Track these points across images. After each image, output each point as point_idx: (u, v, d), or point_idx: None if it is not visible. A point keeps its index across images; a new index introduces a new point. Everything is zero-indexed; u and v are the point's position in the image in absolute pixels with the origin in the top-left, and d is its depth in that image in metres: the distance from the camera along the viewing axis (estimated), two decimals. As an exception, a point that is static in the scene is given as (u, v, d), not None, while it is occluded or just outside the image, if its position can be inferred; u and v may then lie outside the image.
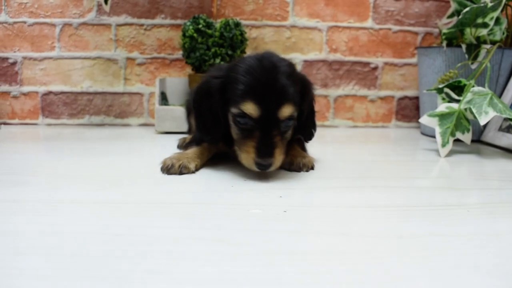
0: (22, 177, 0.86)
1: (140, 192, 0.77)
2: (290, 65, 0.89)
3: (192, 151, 0.96)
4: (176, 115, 1.39)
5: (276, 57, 0.89)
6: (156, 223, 0.62)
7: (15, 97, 1.59)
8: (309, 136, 1.00)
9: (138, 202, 0.71)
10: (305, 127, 0.98)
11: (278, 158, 0.85)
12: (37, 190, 0.76)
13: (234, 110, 0.85)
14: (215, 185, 0.83)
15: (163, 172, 0.90)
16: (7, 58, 1.57)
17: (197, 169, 0.93)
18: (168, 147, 1.18)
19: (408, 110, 1.71)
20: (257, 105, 0.82)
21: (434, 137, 1.26)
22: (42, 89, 1.59)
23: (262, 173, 0.88)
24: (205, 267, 0.48)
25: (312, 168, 0.96)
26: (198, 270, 0.47)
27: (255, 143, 0.83)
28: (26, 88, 1.59)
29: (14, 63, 1.57)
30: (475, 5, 1.25)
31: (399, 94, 1.70)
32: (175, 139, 1.23)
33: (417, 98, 1.69)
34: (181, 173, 0.89)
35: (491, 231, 0.62)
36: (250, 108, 0.82)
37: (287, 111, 0.84)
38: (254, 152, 0.83)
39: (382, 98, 1.69)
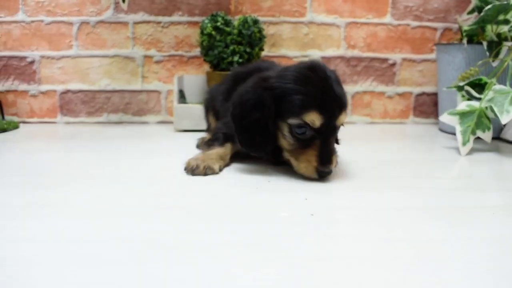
0: (42, 179, 0.87)
1: (163, 195, 0.77)
2: (337, 74, 0.90)
3: (216, 151, 0.96)
4: (195, 113, 1.39)
5: (324, 66, 0.89)
6: (183, 227, 0.62)
7: (33, 96, 1.60)
8: (338, 139, 1.01)
9: (163, 206, 0.71)
10: None
11: (335, 163, 0.87)
12: (57, 193, 0.77)
13: (293, 121, 0.85)
14: (239, 186, 0.83)
15: (187, 173, 0.90)
16: (25, 57, 1.58)
17: (220, 170, 0.93)
18: (188, 146, 1.18)
19: (426, 107, 1.70)
20: (321, 115, 0.83)
21: (452, 134, 1.25)
22: (60, 87, 1.60)
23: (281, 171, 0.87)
24: (235, 271, 0.48)
25: (335, 165, 0.96)
26: (228, 275, 0.47)
27: (316, 152, 0.84)
28: (44, 87, 1.60)
29: (32, 62, 1.58)
30: (497, 2, 1.24)
31: (417, 90, 1.68)
32: (194, 138, 1.23)
33: (435, 94, 1.68)
34: (205, 174, 0.89)
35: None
36: (313, 118, 0.83)
37: (343, 118, 0.86)
38: (316, 161, 0.84)
39: (400, 94, 1.68)
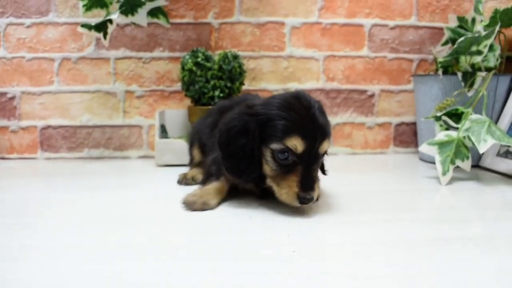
0: (22, 219, 0.85)
1: (142, 233, 0.76)
2: (321, 104, 0.92)
3: (212, 186, 0.96)
4: (176, 148, 1.39)
5: (309, 96, 0.91)
6: (160, 266, 0.61)
7: (13, 131, 1.59)
8: (325, 170, 1.02)
9: (140, 244, 0.70)
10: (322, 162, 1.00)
11: (317, 191, 0.87)
12: (37, 233, 0.76)
13: (275, 146, 0.85)
14: (220, 223, 0.83)
15: (186, 209, 0.90)
16: (5, 93, 1.57)
17: (218, 205, 0.94)
18: (169, 182, 1.18)
19: (406, 136, 1.72)
20: (303, 140, 0.84)
21: (432, 163, 1.27)
22: (41, 123, 1.59)
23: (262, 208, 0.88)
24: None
25: (317, 199, 0.96)
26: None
27: (298, 178, 0.84)
28: (24, 123, 1.59)
29: (12, 98, 1.58)
30: (469, 35, 1.27)
31: (396, 120, 1.71)
32: (175, 173, 1.22)
33: (414, 123, 1.71)
34: (203, 210, 0.90)
35: (498, 266, 0.62)
36: (296, 143, 0.84)
37: (326, 146, 0.87)
38: (297, 187, 0.84)
39: (379, 125, 1.70)
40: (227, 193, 0.99)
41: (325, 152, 0.89)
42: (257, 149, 0.89)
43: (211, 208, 0.91)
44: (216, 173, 0.99)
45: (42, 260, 0.64)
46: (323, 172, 1.02)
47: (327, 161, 1.00)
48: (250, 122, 0.88)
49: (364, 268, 0.61)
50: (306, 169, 0.85)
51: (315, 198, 0.85)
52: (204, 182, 1.02)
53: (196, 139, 1.22)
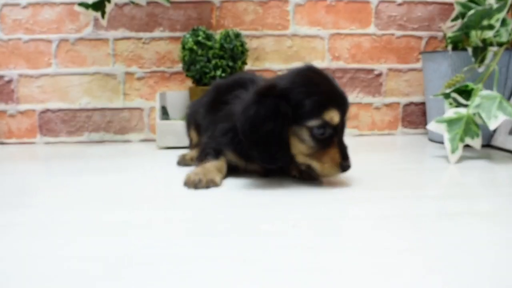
0: (21, 199, 0.84)
1: (146, 210, 0.75)
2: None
3: (213, 164, 0.94)
4: (178, 130, 1.36)
5: (318, 68, 0.92)
6: (163, 243, 0.59)
7: (11, 115, 1.56)
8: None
9: (144, 221, 0.69)
10: None
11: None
12: (37, 213, 0.74)
13: (313, 122, 0.84)
14: (221, 200, 0.81)
15: (189, 188, 0.88)
16: (2, 76, 1.54)
17: (221, 182, 0.92)
18: (170, 163, 1.15)
19: (415, 116, 1.68)
20: (338, 111, 0.85)
21: (442, 143, 1.23)
22: (39, 106, 1.56)
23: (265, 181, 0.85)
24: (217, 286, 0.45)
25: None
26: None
27: (337, 149, 0.86)
28: (23, 106, 1.56)
29: (10, 81, 1.55)
30: (480, 8, 1.22)
31: (404, 100, 1.67)
32: (177, 154, 1.19)
33: (423, 103, 1.66)
34: (207, 187, 0.88)
35: (505, 240, 0.60)
36: (333, 115, 0.84)
37: (349, 113, 0.91)
38: (339, 157, 0.86)
39: (387, 105, 1.66)
40: (226, 171, 0.97)
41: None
42: (285, 132, 0.86)
43: (216, 186, 0.89)
44: (215, 152, 0.97)
45: (39, 235, 0.63)
46: None
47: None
48: (280, 104, 0.84)
49: (366, 241, 0.59)
50: (340, 139, 0.88)
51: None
52: (200, 160, 0.99)
53: (192, 120, 1.20)
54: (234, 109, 0.94)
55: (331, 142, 0.86)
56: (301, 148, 0.87)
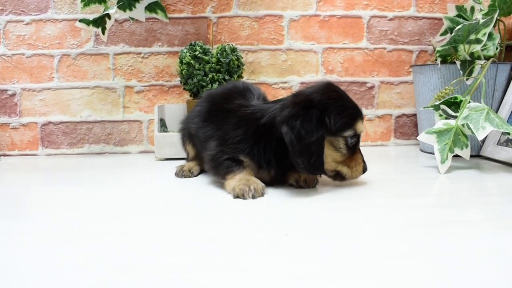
0: (23, 209, 0.86)
1: (142, 220, 0.77)
2: None
3: (243, 175, 0.95)
4: (175, 142, 1.39)
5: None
6: (159, 251, 0.61)
7: (14, 128, 1.60)
8: None
9: (140, 231, 0.71)
10: None
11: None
12: (37, 222, 0.76)
13: (349, 132, 0.93)
14: (216, 209, 0.83)
15: (244, 198, 0.89)
16: (6, 90, 1.58)
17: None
18: (168, 175, 1.18)
19: (407, 128, 1.71)
20: (363, 123, 0.97)
21: (433, 153, 1.26)
22: (41, 119, 1.60)
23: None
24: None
25: (316, 184, 1.01)
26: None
27: (360, 154, 0.99)
28: (25, 119, 1.60)
29: (13, 95, 1.59)
30: (467, 22, 1.27)
31: (396, 112, 1.70)
32: (175, 166, 1.22)
33: (414, 115, 1.70)
34: (262, 195, 0.92)
35: (493, 247, 0.62)
36: (360, 126, 0.96)
37: None
38: (363, 161, 0.99)
39: (380, 117, 1.70)
40: None
41: None
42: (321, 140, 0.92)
43: (262, 195, 0.92)
44: (235, 161, 0.97)
45: (38, 243, 0.65)
46: None
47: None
48: (321, 115, 0.90)
49: (358, 249, 0.61)
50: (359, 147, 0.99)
51: None
52: (224, 174, 0.98)
53: (185, 134, 1.21)
54: (253, 117, 0.98)
55: (356, 149, 0.97)
56: (335, 156, 0.95)
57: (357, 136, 0.95)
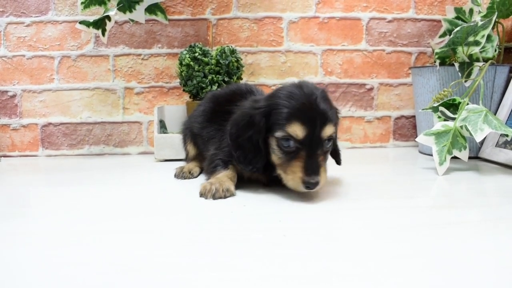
0: (24, 210, 0.87)
1: (141, 221, 0.77)
2: (325, 92, 0.93)
3: (225, 174, 0.98)
4: (175, 143, 1.40)
5: (312, 85, 0.93)
6: (158, 251, 0.62)
7: (15, 129, 1.60)
8: (340, 159, 1.05)
9: (139, 231, 0.71)
10: (336, 151, 1.04)
11: (323, 176, 0.88)
12: (38, 223, 0.77)
13: (278, 133, 0.88)
14: (214, 210, 0.83)
15: (206, 197, 0.91)
16: (6, 91, 1.59)
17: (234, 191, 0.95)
18: (168, 176, 1.18)
19: (406, 129, 1.72)
20: (303, 126, 0.86)
21: (431, 155, 1.26)
22: (41, 120, 1.60)
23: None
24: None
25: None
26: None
27: (301, 163, 0.86)
28: (25, 120, 1.60)
29: (13, 96, 1.59)
30: (466, 24, 1.27)
31: (395, 113, 1.71)
32: (174, 167, 1.23)
33: (413, 117, 1.71)
34: (225, 197, 0.91)
35: (492, 248, 0.62)
36: (296, 130, 0.86)
37: (329, 130, 0.88)
38: (301, 172, 0.86)
39: (379, 118, 1.70)
40: (236, 181, 1.00)
41: (330, 137, 0.90)
42: (262, 140, 0.92)
43: (232, 195, 0.93)
44: (224, 163, 1.00)
45: (39, 243, 0.65)
46: (338, 161, 1.05)
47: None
48: (255, 114, 0.91)
49: (356, 250, 0.62)
50: (309, 155, 0.87)
51: (321, 182, 0.86)
52: (210, 172, 1.02)
53: (188, 134, 1.23)
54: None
55: (298, 156, 0.87)
56: (273, 157, 0.92)
57: (294, 141, 0.87)
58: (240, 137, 0.94)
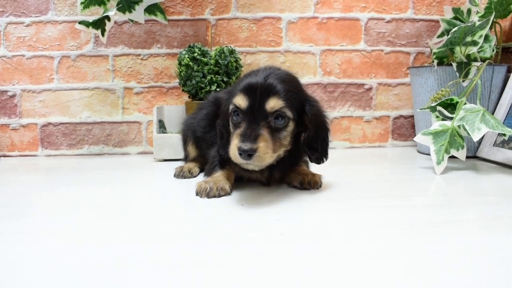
0: (23, 210, 0.87)
1: (140, 220, 0.78)
2: (290, 75, 0.94)
3: (221, 174, 0.99)
4: (174, 143, 1.40)
5: (276, 68, 0.94)
6: (155, 248, 0.62)
7: (14, 129, 1.61)
8: (318, 159, 0.97)
9: (138, 230, 0.72)
10: (313, 147, 0.95)
11: (262, 147, 0.84)
12: (37, 222, 0.77)
13: (230, 107, 0.90)
14: (213, 209, 0.84)
15: (201, 196, 0.92)
16: (6, 91, 1.59)
17: (230, 190, 0.95)
18: (167, 176, 1.19)
19: (404, 129, 1.72)
20: (245, 96, 0.87)
21: (430, 154, 1.27)
22: (41, 120, 1.61)
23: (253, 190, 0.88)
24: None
25: (320, 185, 1.00)
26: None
27: (240, 131, 0.86)
28: (25, 120, 1.61)
29: (13, 96, 1.60)
30: (463, 24, 1.28)
31: (394, 113, 1.71)
32: (174, 167, 1.23)
33: (412, 116, 1.71)
34: (219, 196, 0.92)
35: (488, 246, 0.63)
36: (239, 100, 0.87)
37: (274, 103, 0.86)
38: (238, 139, 0.85)
39: (377, 118, 1.71)
40: (233, 180, 1.01)
41: (279, 113, 0.87)
42: (227, 122, 0.94)
43: (226, 194, 0.93)
44: (221, 163, 1.01)
45: (38, 242, 0.66)
46: (316, 160, 0.98)
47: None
48: (224, 100, 0.95)
49: (354, 249, 0.62)
50: (250, 123, 0.86)
51: (258, 152, 0.83)
52: (208, 173, 1.03)
53: (190, 134, 1.23)
54: None
55: (239, 126, 0.87)
56: (231, 135, 0.92)
57: (240, 112, 0.88)
58: (220, 126, 0.97)
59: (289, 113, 0.88)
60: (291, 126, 0.90)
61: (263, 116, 0.86)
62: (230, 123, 0.91)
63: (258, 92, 0.86)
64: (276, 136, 0.88)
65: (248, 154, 0.82)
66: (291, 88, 0.89)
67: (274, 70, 0.91)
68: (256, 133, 0.84)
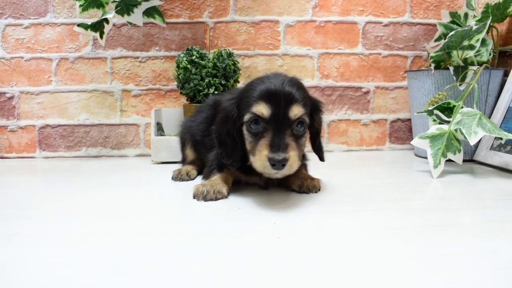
0: (21, 211, 0.87)
1: (138, 223, 0.78)
2: (299, 81, 0.93)
3: (218, 177, 0.99)
4: (172, 145, 1.40)
5: (283, 74, 0.94)
6: (154, 253, 0.62)
7: (12, 131, 1.61)
8: (323, 155, 1.03)
9: (136, 233, 0.72)
10: (319, 147, 1.01)
11: (293, 156, 0.84)
12: (35, 224, 0.77)
13: (247, 117, 0.88)
14: (210, 213, 0.84)
15: (198, 199, 0.92)
16: (4, 93, 1.60)
17: (228, 193, 0.95)
18: (165, 178, 1.19)
19: (401, 132, 1.73)
20: (267, 104, 0.85)
21: (427, 158, 1.27)
22: (39, 122, 1.61)
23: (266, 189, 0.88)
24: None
25: (319, 190, 1.00)
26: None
27: (267, 141, 0.84)
28: (23, 122, 1.61)
29: (11, 98, 1.60)
30: (460, 28, 1.28)
31: (391, 117, 1.72)
32: (171, 169, 1.23)
33: (409, 120, 1.72)
34: (216, 199, 0.92)
35: (485, 250, 0.63)
36: (261, 108, 0.85)
37: (297, 110, 0.86)
38: (267, 149, 0.83)
39: (375, 122, 1.71)
40: (231, 183, 1.01)
41: (301, 120, 0.88)
42: (237, 131, 0.93)
43: (223, 197, 0.93)
44: (219, 167, 1.01)
45: (36, 245, 0.66)
46: (321, 157, 1.03)
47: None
48: (229, 107, 0.93)
49: (351, 252, 0.62)
50: (276, 134, 0.85)
51: (289, 161, 0.83)
52: (207, 177, 1.03)
53: (188, 137, 1.23)
54: None
55: (264, 135, 0.86)
56: (247, 146, 0.92)
57: (261, 120, 0.86)
58: (221, 133, 0.95)
59: (307, 119, 0.90)
60: (307, 131, 0.93)
61: (288, 124, 0.86)
62: (246, 132, 0.90)
63: (281, 100, 0.85)
64: (298, 143, 0.89)
65: (282, 164, 0.82)
66: (305, 94, 0.91)
67: (284, 77, 0.91)
68: (285, 142, 0.84)
